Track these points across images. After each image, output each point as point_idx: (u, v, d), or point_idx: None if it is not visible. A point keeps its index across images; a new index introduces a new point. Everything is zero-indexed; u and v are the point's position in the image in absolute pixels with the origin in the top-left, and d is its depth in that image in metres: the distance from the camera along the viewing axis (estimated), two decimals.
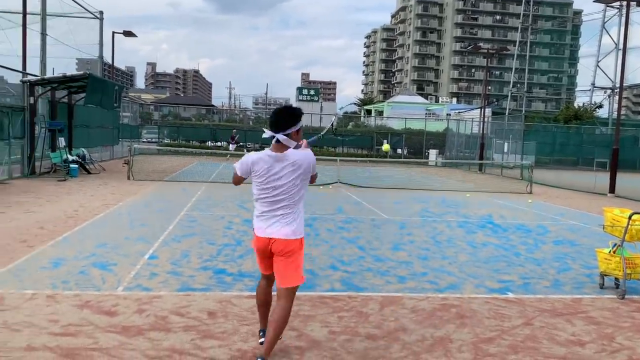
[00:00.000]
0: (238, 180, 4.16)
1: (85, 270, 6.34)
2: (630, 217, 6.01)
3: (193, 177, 19.23)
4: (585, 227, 11.39)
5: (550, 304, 5.76)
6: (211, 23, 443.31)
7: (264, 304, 4.27)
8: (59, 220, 9.46)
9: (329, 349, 4.32)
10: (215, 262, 6.95)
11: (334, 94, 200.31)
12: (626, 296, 6.07)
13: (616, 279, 6.24)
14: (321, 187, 17.39)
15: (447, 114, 57.46)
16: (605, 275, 6.42)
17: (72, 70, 27.31)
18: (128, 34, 29.92)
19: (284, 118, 3.83)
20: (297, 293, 5.72)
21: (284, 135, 3.79)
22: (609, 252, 6.29)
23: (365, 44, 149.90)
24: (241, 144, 36.24)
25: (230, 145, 34.19)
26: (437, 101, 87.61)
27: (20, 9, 19.70)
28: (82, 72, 16.26)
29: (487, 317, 5.24)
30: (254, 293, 5.62)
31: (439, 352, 4.35)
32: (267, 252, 3.94)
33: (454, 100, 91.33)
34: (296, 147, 3.87)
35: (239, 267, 6.77)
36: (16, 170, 16.13)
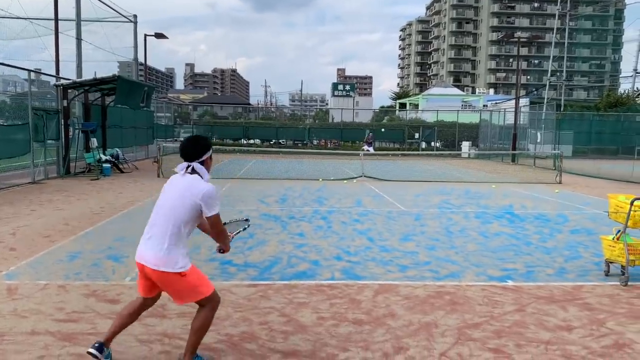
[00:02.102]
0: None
1: (98, 262, 6.67)
2: (632, 203, 5.90)
3: (221, 174, 19.63)
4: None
5: (549, 291, 5.73)
6: (248, 21, 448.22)
7: (125, 320, 3.90)
8: (84, 216, 9.91)
9: (314, 333, 4.47)
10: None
11: (370, 89, 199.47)
12: (630, 283, 5.97)
13: (622, 266, 6.14)
14: (345, 181, 17.49)
15: (484, 105, 56.46)
16: (611, 262, 6.33)
17: (115, 73, 28.23)
18: (159, 35, 30.70)
19: (197, 146, 3.80)
20: (296, 281, 5.94)
21: (199, 163, 3.75)
22: (613, 238, 6.19)
23: (400, 36, 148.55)
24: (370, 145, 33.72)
25: (366, 146, 32.17)
26: (473, 92, 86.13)
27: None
28: (111, 75, 16.85)
29: (480, 304, 5.27)
30: (255, 282, 5.86)
31: (422, 336, 4.43)
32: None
33: (492, 91, 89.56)
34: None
35: (245, 258, 6.98)
36: (52, 170, 16.88)
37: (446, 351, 4.14)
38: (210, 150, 3.84)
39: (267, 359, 3.97)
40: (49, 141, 16.38)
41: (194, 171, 3.71)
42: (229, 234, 4.16)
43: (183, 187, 3.65)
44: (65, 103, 17.10)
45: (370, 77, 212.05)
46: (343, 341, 4.31)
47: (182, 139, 37.02)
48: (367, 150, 28.90)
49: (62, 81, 17.44)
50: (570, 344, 4.32)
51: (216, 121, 47.77)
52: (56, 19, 19.16)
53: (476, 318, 4.88)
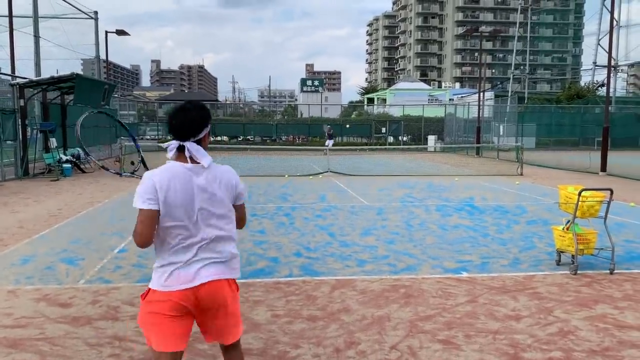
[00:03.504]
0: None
1: (52, 265, 6.53)
2: (579, 194, 6.08)
3: None
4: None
5: (501, 282, 5.86)
6: (215, 17, 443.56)
7: None
8: (40, 219, 9.68)
9: (267, 331, 4.47)
10: None
11: (339, 84, 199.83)
12: (579, 271, 6.15)
13: (572, 255, 6.31)
14: (311, 176, 17.52)
15: (450, 99, 57.24)
16: (562, 251, 6.50)
17: (78, 71, 27.61)
18: (121, 32, 30.12)
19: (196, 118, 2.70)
20: (253, 280, 5.91)
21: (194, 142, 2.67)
22: (563, 229, 6.36)
23: (367, 32, 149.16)
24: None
25: (328, 141, 31.08)
26: (440, 86, 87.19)
27: (15, 12, 19.94)
28: (69, 73, 16.46)
29: (434, 296, 5.35)
30: None
31: (374, 330, 4.48)
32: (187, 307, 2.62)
33: (458, 85, 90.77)
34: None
35: None
36: (10, 172, 16.41)
37: (397, 344, 4.20)
38: (210, 124, 2.76)
39: (218, 359, 3.95)
40: (8, 142, 15.91)
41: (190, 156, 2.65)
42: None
43: (219, 184, 2.68)
44: (22, 102, 16.63)
45: (339, 73, 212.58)
46: (295, 338, 4.33)
47: (148, 137, 36.21)
48: (328, 144, 29.03)
49: (19, 80, 16.96)
50: (518, 333, 4.43)
51: None
52: (10, 15, 18.59)
53: (429, 310, 4.96)
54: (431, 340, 4.28)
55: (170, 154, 2.70)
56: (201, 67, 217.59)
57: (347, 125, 39.71)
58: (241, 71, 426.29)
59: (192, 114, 2.67)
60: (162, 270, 2.59)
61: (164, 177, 2.58)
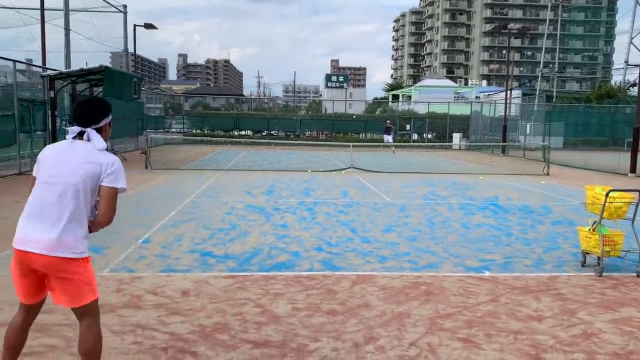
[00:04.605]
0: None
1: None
2: (607, 195, 5.96)
3: (210, 165, 19.62)
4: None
5: (524, 282, 5.79)
6: (242, 12, 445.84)
7: (12, 346, 3.24)
8: None
9: (287, 324, 4.50)
10: (204, 246, 7.20)
11: (364, 80, 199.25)
12: (604, 274, 6.04)
13: (597, 257, 6.20)
14: (334, 172, 17.53)
15: (476, 97, 56.56)
16: (587, 253, 6.39)
17: (107, 64, 28.14)
18: (149, 26, 30.49)
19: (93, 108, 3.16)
20: (274, 273, 5.96)
21: (94, 130, 3.12)
22: (589, 230, 6.25)
23: (394, 28, 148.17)
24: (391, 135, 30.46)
25: (386, 137, 29.74)
26: (466, 84, 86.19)
27: (46, 5, 20.37)
28: (98, 65, 16.74)
29: (454, 295, 5.32)
30: (233, 274, 5.88)
31: (393, 326, 4.47)
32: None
33: (484, 82, 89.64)
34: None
35: (226, 249, 7.00)
36: None
37: (416, 341, 4.19)
38: (110, 117, 3.20)
39: (238, 349, 4.00)
40: (37, 132, 16.29)
41: (88, 140, 3.05)
42: None
43: (80, 154, 3.00)
44: (52, 94, 16.98)
45: (364, 69, 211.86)
46: (315, 331, 4.35)
47: (173, 129, 36.61)
48: (388, 141, 28.44)
49: (49, 72, 17.31)
50: (540, 334, 4.37)
51: (208, 112, 47.66)
52: (42, 8, 18.98)
53: (449, 308, 4.93)
54: (451, 338, 4.26)
55: (70, 137, 3.09)
56: (227, 61, 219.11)
57: (407, 127, 38.96)
58: (266, 66, 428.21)
59: (94, 104, 3.16)
60: (86, 237, 3.08)
61: None
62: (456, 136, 36.85)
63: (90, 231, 3.14)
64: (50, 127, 17.05)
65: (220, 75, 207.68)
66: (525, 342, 4.21)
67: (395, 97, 67.29)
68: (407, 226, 8.76)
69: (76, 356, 3.81)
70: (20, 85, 16.59)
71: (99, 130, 3.12)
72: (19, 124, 14.99)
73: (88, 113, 3.10)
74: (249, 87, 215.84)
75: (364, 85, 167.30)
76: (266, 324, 4.50)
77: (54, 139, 17.24)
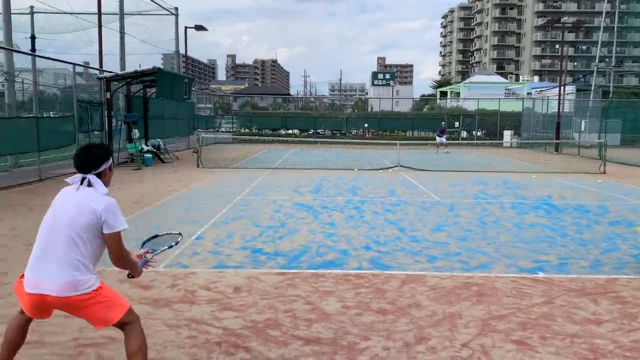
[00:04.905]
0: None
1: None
2: None
3: (258, 164, 19.90)
4: None
5: (581, 284, 5.60)
6: (290, 12, 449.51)
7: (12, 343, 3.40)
8: (124, 205, 10.22)
9: (337, 321, 4.53)
10: (254, 243, 7.32)
11: (411, 77, 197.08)
12: None
13: None
14: (381, 170, 17.44)
15: (528, 93, 54.99)
16: None
17: (159, 65, 29.01)
18: (199, 28, 31.18)
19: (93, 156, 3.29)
20: (323, 270, 5.99)
21: (94, 176, 3.25)
22: None
23: (442, 24, 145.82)
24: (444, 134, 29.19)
25: (439, 138, 28.53)
26: (517, 80, 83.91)
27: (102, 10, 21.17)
28: (151, 67, 17.27)
29: (508, 296, 5.21)
30: (283, 271, 5.95)
31: (445, 327, 4.43)
32: None
33: (536, 78, 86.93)
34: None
35: (276, 247, 7.10)
36: None
37: (468, 342, 4.13)
38: (110, 161, 3.33)
39: (289, 346, 4.05)
40: (94, 132, 16.97)
41: (90, 185, 3.19)
42: (150, 252, 3.80)
43: (78, 202, 3.14)
44: (108, 95, 17.64)
45: (411, 66, 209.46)
46: (365, 330, 4.36)
47: (222, 129, 37.41)
48: (440, 142, 28.02)
49: (105, 74, 17.99)
50: (598, 338, 4.23)
51: (256, 112, 48.31)
52: (99, 14, 19.73)
53: (502, 310, 4.83)
54: (504, 340, 4.18)
55: (74, 184, 3.25)
56: (274, 61, 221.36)
57: (456, 124, 38.19)
58: (313, 65, 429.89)
59: (94, 152, 3.27)
60: (95, 274, 3.23)
61: None
62: (507, 133, 35.94)
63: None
64: (106, 127, 17.72)
65: (268, 75, 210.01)
66: (582, 345, 4.08)
67: (444, 94, 66.25)
68: (457, 225, 8.63)
69: None
70: (78, 87, 17.30)
71: (99, 175, 3.24)
72: (78, 125, 15.65)
73: (88, 160, 3.23)
74: (295, 87, 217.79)
75: (411, 83, 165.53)
76: (316, 321, 4.54)
77: (110, 139, 17.92)
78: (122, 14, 25.31)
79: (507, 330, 4.36)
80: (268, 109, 59.85)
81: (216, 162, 19.61)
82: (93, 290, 3.13)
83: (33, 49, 23.11)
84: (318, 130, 40.28)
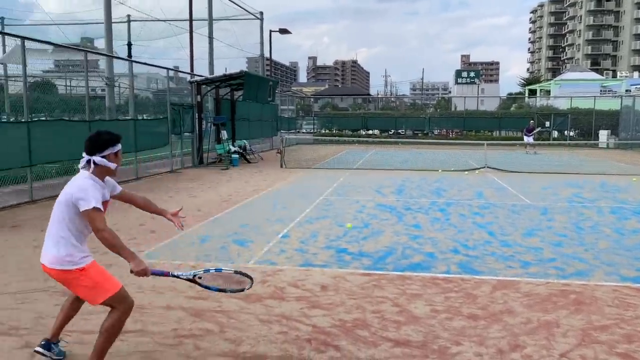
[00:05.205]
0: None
1: (225, 245, 7.19)
2: None
3: (339, 164, 20.01)
4: None
5: None
6: (370, 12, 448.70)
7: (65, 315, 3.82)
8: (214, 203, 10.68)
9: (426, 325, 4.46)
10: (339, 242, 7.37)
11: (497, 75, 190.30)
12: None
13: None
14: (466, 172, 16.97)
15: (626, 90, 51.35)
16: None
17: (243, 69, 29.99)
18: (284, 31, 31.86)
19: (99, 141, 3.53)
20: (410, 273, 5.92)
21: (101, 157, 3.48)
22: None
23: (530, 19, 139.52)
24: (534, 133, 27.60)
25: (526, 137, 27.03)
26: (614, 76, 78.58)
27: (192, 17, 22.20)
28: (238, 71, 17.88)
29: (609, 305, 4.90)
30: (369, 271, 5.95)
31: (541, 335, 4.24)
32: None
33: (636, 74, 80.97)
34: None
35: (360, 247, 7.11)
36: (187, 160, 18.36)
37: (567, 352, 3.93)
38: (116, 148, 3.55)
39: (378, 347, 4.04)
40: (185, 134, 17.84)
41: (95, 165, 3.46)
42: (201, 275, 3.76)
43: (69, 183, 3.46)
44: (198, 98, 18.46)
45: (497, 63, 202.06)
46: (456, 335, 4.26)
47: (304, 130, 38.03)
48: (528, 141, 26.83)
49: (196, 78, 18.84)
50: None
51: (336, 112, 48.61)
52: (190, 20, 20.69)
53: (604, 320, 4.55)
54: (608, 352, 3.93)
55: (81, 164, 3.51)
56: (354, 62, 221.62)
57: (547, 124, 36.70)
58: (394, 64, 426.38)
59: (102, 136, 3.53)
60: (84, 253, 3.47)
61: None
62: (603, 133, 33.72)
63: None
64: (197, 129, 18.55)
65: (348, 75, 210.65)
66: None
67: (532, 92, 63.34)
68: (550, 230, 8.22)
69: (230, 341, 4.13)
70: (169, 90, 18.22)
71: (105, 158, 3.48)
72: (171, 126, 16.50)
73: (96, 143, 3.50)
74: (375, 87, 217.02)
75: (496, 81, 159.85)
76: (405, 323, 4.50)
77: (200, 140, 18.74)
78: (211, 20, 26.41)
79: (611, 342, 4.10)
80: (348, 109, 60.05)
81: (298, 163, 19.94)
82: (77, 269, 3.40)
83: (129, 55, 24.64)
84: (399, 131, 39.84)
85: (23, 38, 10.72)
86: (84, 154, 3.51)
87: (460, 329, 4.38)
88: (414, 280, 5.66)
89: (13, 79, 19.09)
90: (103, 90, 18.66)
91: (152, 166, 17.09)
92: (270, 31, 32.82)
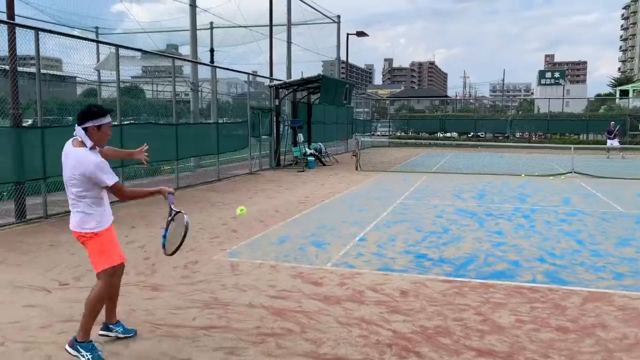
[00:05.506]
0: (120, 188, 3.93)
1: (303, 247, 7.29)
2: None
3: (416, 167, 19.72)
4: None
5: None
6: (449, 12, 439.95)
7: (109, 296, 4.12)
8: (291, 205, 10.86)
9: (512, 335, 4.30)
10: (418, 247, 7.26)
11: (584, 75, 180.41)
12: None
13: None
14: (551, 177, 16.19)
15: None
16: None
17: (319, 72, 30.28)
18: (361, 34, 31.88)
19: (80, 113, 3.86)
20: (493, 281, 5.74)
21: (81, 129, 3.81)
22: None
23: (622, 15, 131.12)
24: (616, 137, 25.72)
25: (609, 140, 25.76)
26: None
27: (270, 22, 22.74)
28: (316, 74, 18.09)
29: None
30: (450, 278, 5.82)
31: (639, 352, 3.96)
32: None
33: None
34: (93, 148, 3.86)
35: (440, 253, 6.96)
36: (265, 162, 18.80)
37: None
38: (99, 121, 3.82)
39: (461, 355, 3.94)
40: (263, 136, 18.27)
41: (74, 139, 3.86)
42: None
43: (72, 164, 3.78)
44: (277, 102, 18.85)
45: (584, 63, 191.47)
46: (544, 347, 4.07)
47: (378, 132, 37.89)
48: (611, 145, 25.26)
49: (275, 82, 19.25)
50: None
51: (413, 115, 47.96)
52: (271, 26, 21.18)
53: None
54: None
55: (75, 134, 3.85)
56: (432, 63, 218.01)
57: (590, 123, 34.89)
58: (473, 65, 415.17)
59: (87, 110, 3.85)
60: (99, 214, 3.90)
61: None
62: None
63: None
64: (275, 132, 18.95)
65: (425, 77, 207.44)
66: None
67: (624, 93, 59.45)
68: None
69: (311, 342, 4.17)
70: (249, 94, 18.73)
71: (85, 130, 3.80)
72: (251, 129, 16.96)
73: (81, 114, 3.84)
74: (453, 88, 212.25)
75: (584, 81, 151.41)
76: (489, 332, 4.36)
77: (278, 143, 19.12)
78: (289, 25, 26.88)
79: None
80: (425, 111, 59.09)
81: (374, 165, 19.85)
82: (90, 233, 3.86)
83: (212, 61, 25.58)
84: (478, 133, 38.73)
85: (117, 46, 11.42)
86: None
87: (548, 341, 4.18)
88: (498, 289, 5.47)
89: (105, 84, 20.37)
90: (186, 94, 19.49)
91: (232, 168, 17.63)
92: (348, 34, 32.95)
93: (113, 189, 3.81)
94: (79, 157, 3.76)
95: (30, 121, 11.74)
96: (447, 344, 4.12)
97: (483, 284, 5.63)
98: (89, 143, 3.81)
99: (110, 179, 3.76)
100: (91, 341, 3.84)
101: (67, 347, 3.84)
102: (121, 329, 4.19)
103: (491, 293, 5.34)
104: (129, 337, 4.16)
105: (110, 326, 4.18)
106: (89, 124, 3.80)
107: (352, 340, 4.19)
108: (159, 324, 4.51)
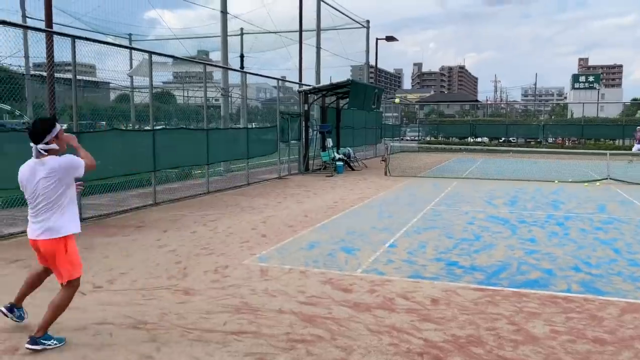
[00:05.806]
0: None
1: (333, 252, 7.27)
2: None
3: (447, 173, 19.51)
4: None
5: None
6: (479, 16, 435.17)
7: (29, 285, 4.47)
8: (320, 210, 10.86)
9: (546, 346, 4.20)
10: (449, 255, 7.17)
11: (620, 79, 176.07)
12: None
13: None
14: (586, 183, 15.80)
15: None
16: None
17: (347, 77, 30.26)
18: (390, 38, 31.78)
19: (36, 131, 4.06)
20: (526, 290, 5.63)
21: (43, 144, 4.03)
22: None
23: None
24: None
25: (637, 145, 25.15)
26: None
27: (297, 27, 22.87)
28: (345, 80, 18.10)
29: None
30: (482, 286, 5.73)
31: None
32: (38, 250, 4.21)
33: None
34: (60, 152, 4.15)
35: (472, 261, 6.86)
36: (294, 167, 18.86)
37: None
38: (53, 131, 4.06)
39: None
40: (292, 141, 18.35)
41: (40, 154, 4.03)
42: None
43: (45, 173, 3.98)
44: (306, 107, 18.92)
45: (620, 66, 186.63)
46: (580, 359, 3.96)
47: (407, 137, 37.61)
48: (638, 149, 24.45)
49: (304, 87, 19.33)
50: None
51: (442, 120, 47.54)
52: (300, 32, 21.29)
53: None
54: None
55: (34, 155, 4.06)
56: (462, 67, 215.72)
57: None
58: (504, 69, 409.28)
59: (37, 127, 4.08)
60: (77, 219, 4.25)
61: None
62: None
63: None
64: (303, 137, 19.01)
65: (455, 81, 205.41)
66: None
67: None
68: None
69: (341, 349, 4.16)
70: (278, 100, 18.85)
71: (47, 144, 4.03)
72: (280, 134, 17.05)
73: (34, 134, 4.03)
74: (484, 93, 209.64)
75: (619, 85, 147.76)
76: (523, 343, 4.27)
77: (307, 148, 19.17)
78: (319, 30, 26.97)
79: None
80: (455, 116, 58.52)
81: (403, 171, 19.72)
82: (59, 238, 4.10)
83: (242, 67, 25.84)
84: (510, 138, 38.11)
85: (150, 52, 11.64)
86: (31, 144, 4.06)
87: (585, 353, 4.07)
88: (531, 298, 5.36)
89: (137, 90, 20.74)
90: (216, 100, 19.70)
91: (261, 172, 17.74)
92: (377, 39, 32.86)
93: (85, 166, 4.17)
94: (57, 161, 4.04)
95: (65, 126, 12.05)
96: (480, 354, 4.05)
97: (516, 293, 5.52)
98: (53, 156, 4.08)
99: (79, 159, 4.17)
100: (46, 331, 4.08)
101: (28, 346, 4.00)
102: (18, 314, 4.44)
103: (524, 302, 5.23)
104: (60, 346, 4.11)
105: (15, 309, 4.43)
106: (48, 138, 4.06)
107: (382, 349, 4.15)
108: (191, 328, 4.55)
